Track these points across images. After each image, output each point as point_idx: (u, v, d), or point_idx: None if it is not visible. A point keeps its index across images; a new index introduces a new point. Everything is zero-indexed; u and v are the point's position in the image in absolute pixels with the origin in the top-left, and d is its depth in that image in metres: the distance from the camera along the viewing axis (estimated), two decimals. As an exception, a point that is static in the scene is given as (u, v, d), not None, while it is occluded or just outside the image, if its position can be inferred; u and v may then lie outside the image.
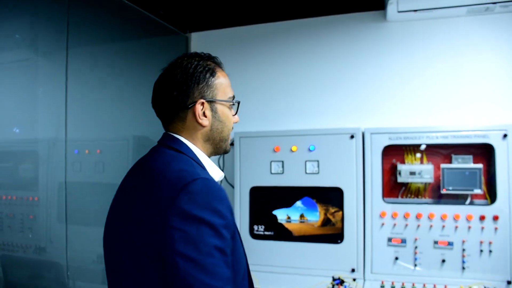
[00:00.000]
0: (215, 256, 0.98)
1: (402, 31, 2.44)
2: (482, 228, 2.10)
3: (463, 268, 2.10)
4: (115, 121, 2.50)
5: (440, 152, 2.28)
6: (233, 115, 1.28)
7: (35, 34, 2.03)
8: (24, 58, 2.02)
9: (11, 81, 1.96)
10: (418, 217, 2.19)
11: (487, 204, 2.14)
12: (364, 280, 2.24)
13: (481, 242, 2.09)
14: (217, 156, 2.72)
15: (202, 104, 1.18)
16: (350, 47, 2.54)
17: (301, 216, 2.42)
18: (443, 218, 2.15)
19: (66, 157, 2.16)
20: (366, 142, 2.30)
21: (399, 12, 2.30)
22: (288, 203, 2.45)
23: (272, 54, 2.70)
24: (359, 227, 2.28)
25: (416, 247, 2.18)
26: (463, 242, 2.11)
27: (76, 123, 2.21)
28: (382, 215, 2.25)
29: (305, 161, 2.41)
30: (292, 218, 2.44)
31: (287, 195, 2.45)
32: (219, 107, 1.21)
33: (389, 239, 2.23)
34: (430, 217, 2.17)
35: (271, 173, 2.47)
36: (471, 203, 2.18)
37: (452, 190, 2.16)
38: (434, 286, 2.09)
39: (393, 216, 2.23)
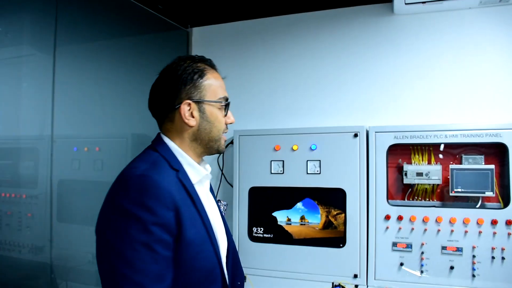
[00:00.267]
0: (139, 251, 1.02)
1: (410, 24, 2.31)
2: (494, 233, 1.96)
3: (473, 276, 1.96)
4: (114, 118, 2.47)
5: (449, 152, 2.14)
6: (225, 116, 1.30)
7: (26, 30, 1.99)
8: (21, 55, 2.00)
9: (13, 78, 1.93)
10: (425, 220, 2.06)
11: (500, 208, 2.00)
12: (367, 286, 2.12)
13: (492, 249, 1.95)
14: (216, 155, 2.63)
15: (189, 105, 1.23)
16: (355, 42, 2.42)
17: (302, 218, 2.31)
18: (452, 222, 2.02)
19: (52, 154, 2.12)
20: (370, 141, 2.18)
21: (406, 4, 2.18)
22: (289, 205, 2.34)
23: (274, 50, 2.60)
24: (362, 230, 2.16)
25: (422, 253, 2.05)
26: (473, 248, 1.97)
27: (75, 120, 2.19)
28: (386, 218, 2.12)
29: (307, 161, 2.30)
30: (293, 220, 2.33)
31: (288, 196, 2.34)
32: (207, 108, 1.25)
33: (394, 244, 2.10)
34: (438, 221, 2.04)
35: (271, 173, 2.37)
36: (482, 207, 2.04)
37: (462, 192, 2.02)
38: (442, 294, 1.96)
39: (399, 220, 2.10)
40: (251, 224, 2.40)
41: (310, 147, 2.30)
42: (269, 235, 2.36)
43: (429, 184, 2.13)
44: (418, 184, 2.15)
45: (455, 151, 2.13)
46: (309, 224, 2.30)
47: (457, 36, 2.24)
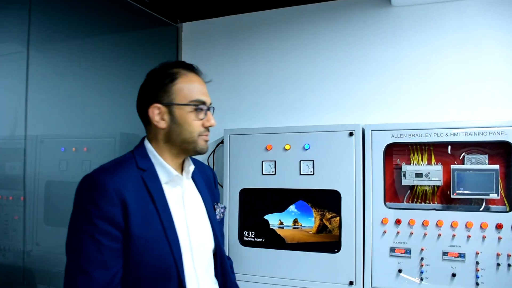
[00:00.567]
0: (85, 240, 1.15)
1: (409, 16, 2.19)
2: (499, 238, 1.82)
3: (477, 283, 1.83)
4: (102, 118, 2.41)
5: (451, 151, 2.01)
6: (202, 119, 1.32)
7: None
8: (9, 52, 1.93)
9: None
10: (424, 224, 1.93)
11: (505, 211, 1.86)
12: (363, 294, 1.99)
13: (498, 255, 1.82)
14: (206, 154, 2.52)
15: (159, 108, 1.30)
16: (350, 36, 2.30)
17: (295, 221, 2.19)
18: (453, 226, 1.89)
19: (39, 154, 2.07)
20: (366, 140, 2.05)
21: (404, -6, 2.06)
22: (281, 207, 2.22)
23: (267, 45, 2.49)
24: (358, 235, 2.04)
25: (422, 259, 1.92)
26: (477, 254, 1.84)
27: (62, 120, 2.13)
28: (384, 222, 2.00)
29: (299, 161, 2.18)
30: (285, 223, 2.21)
31: (280, 198, 2.22)
32: (177, 111, 1.30)
33: (392, 249, 1.98)
34: (438, 225, 1.91)
35: (263, 173, 2.25)
36: (486, 210, 1.90)
37: (464, 194, 1.90)
38: (443, 304, 1.83)
39: (397, 223, 1.98)
40: (242, 227, 2.29)
41: (303, 147, 2.18)
42: (261, 239, 2.25)
43: (429, 186, 2.00)
44: (417, 185, 2.02)
45: (456, 150, 2.00)
46: (302, 228, 2.18)
47: (459, 28, 2.11)
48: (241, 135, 2.32)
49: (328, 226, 2.12)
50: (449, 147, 2.02)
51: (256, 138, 2.27)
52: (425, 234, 1.93)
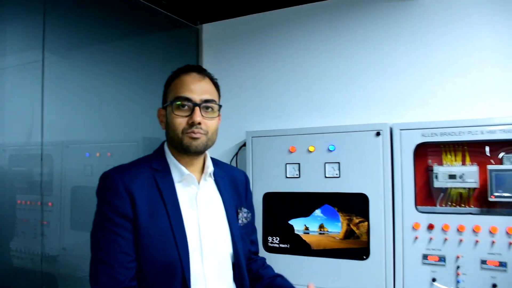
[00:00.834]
0: (101, 233, 1.24)
1: (437, 9, 2.05)
2: (545, 245, 1.67)
3: (520, 295, 1.68)
4: (125, 122, 2.41)
5: (487, 150, 1.86)
6: (187, 116, 1.32)
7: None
8: (37, 59, 1.95)
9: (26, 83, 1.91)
10: (460, 230, 1.79)
11: (551, 215, 1.70)
12: (394, 304, 1.87)
13: (543, 263, 1.66)
14: (229, 158, 2.47)
15: (160, 111, 1.41)
16: (375, 32, 2.18)
17: (321, 226, 2.10)
18: (492, 232, 1.74)
19: (65, 160, 2.10)
20: (394, 140, 1.93)
21: (433, -15, 1.93)
22: (306, 212, 2.14)
23: (289, 43, 2.40)
24: (388, 241, 1.92)
25: (458, 267, 1.78)
26: (520, 262, 1.69)
27: (86, 125, 2.15)
28: (415, 227, 1.87)
29: (324, 163, 2.08)
30: (311, 229, 2.12)
31: (305, 202, 2.14)
32: (168, 111, 1.36)
33: (425, 256, 1.85)
34: (475, 230, 1.77)
35: (287, 176, 2.17)
36: (529, 214, 1.75)
37: (503, 197, 1.74)
38: (482, 316, 1.69)
39: (429, 229, 1.85)
40: (266, 233, 2.22)
41: (328, 148, 2.08)
42: (286, 245, 2.17)
43: (464, 188, 1.86)
44: (451, 188, 1.88)
45: (494, 149, 1.85)
46: (328, 234, 2.08)
47: (491, 20, 1.95)
48: (263, 137, 2.25)
49: (356, 231, 2.01)
50: (486, 146, 1.86)
51: (279, 140, 2.20)
52: (460, 240, 1.79)
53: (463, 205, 1.88)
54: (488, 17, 1.96)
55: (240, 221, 1.47)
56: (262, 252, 2.19)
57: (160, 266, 1.23)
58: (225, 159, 2.46)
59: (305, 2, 2.36)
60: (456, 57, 2.01)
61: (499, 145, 1.83)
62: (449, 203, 1.90)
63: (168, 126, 1.35)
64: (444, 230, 1.82)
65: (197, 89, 1.33)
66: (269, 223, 2.21)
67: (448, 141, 1.85)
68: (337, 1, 2.28)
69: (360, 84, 2.20)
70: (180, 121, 1.31)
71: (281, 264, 2.12)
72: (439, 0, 2.04)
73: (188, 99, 1.31)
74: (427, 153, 1.95)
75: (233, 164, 2.47)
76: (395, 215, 1.92)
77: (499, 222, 1.74)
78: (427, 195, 1.95)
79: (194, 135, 1.30)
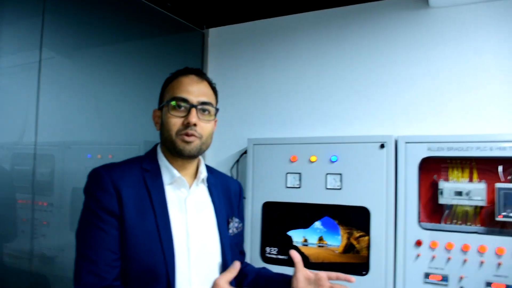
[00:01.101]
0: (88, 229, 1.19)
1: (448, 19, 1.99)
2: (554, 269, 1.58)
3: (527, 321, 1.60)
4: (127, 125, 2.39)
5: (496, 167, 1.78)
6: (183, 117, 1.28)
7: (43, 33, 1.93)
8: (40, 59, 1.94)
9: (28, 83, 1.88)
10: (464, 249, 1.72)
11: (561, 238, 1.62)
12: (393, 324, 1.80)
13: (552, 288, 1.58)
14: (229, 165, 2.42)
15: (156, 112, 1.38)
16: (383, 40, 2.12)
17: (320, 239, 2.04)
18: (498, 253, 1.66)
19: (66, 160, 2.08)
20: (399, 153, 1.87)
21: (444, -6, 1.88)
22: (306, 223, 2.08)
23: (293, 50, 2.35)
24: (389, 257, 1.85)
25: (461, 288, 1.71)
26: (527, 286, 1.61)
27: (88, 126, 2.13)
28: (417, 244, 1.80)
29: (326, 174, 2.03)
30: (310, 241, 2.06)
31: (305, 214, 2.08)
32: (164, 111, 1.32)
33: (426, 275, 1.78)
34: (480, 251, 1.69)
35: (287, 186, 2.12)
36: (538, 236, 1.67)
37: (511, 217, 1.67)
38: None
39: (432, 246, 1.78)
40: (264, 243, 2.16)
41: (330, 159, 2.02)
42: (284, 257, 2.10)
43: (471, 206, 1.78)
44: (456, 205, 1.81)
45: (503, 166, 1.77)
46: (328, 247, 2.01)
47: (503, 30, 1.88)
48: (265, 145, 2.20)
49: (356, 245, 1.95)
50: (495, 163, 1.79)
51: (281, 148, 2.15)
52: (465, 260, 1.72)
53: (469, 223, 1.80)
54: (500, 29, 1.90)
55: (230, 231, 1.42)
56: (259, 262, 2.13)
57: (144, 267, 1.20)
58: (226, 165, 2.41)
59: (312, 9, 2.31)
60: (467, 69, 1.94)
61: (509, 162, 1.76)
62: (454, 221, 1.83)
63: (163, 127, 1.31)
64: (447, 248, 1.75)
65: (195, 90, 1.30)
66: (268, 233, 2.15)
67: (455, 156, 1.79)
68: (344, 9, 2.23)
69: (365, 94, 2.14)
70: (175, 122, 1.27)
71: (278, 276, 2.07)
72: (450, 10, 1.98)
73: (185, 100, 1.28)
74: (433, 167, 1.87)
75: (234, 171, 2.42)
76: (397, 231, 1.85)
77: (507, 243, 1.66)
78: (432, 211, 1.88)
79: (187, 139, 1.26)
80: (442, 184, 1.81)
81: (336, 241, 2.00)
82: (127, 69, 2.31)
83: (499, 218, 1.68)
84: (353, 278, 1.30)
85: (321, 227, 2.05)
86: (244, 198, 2.21)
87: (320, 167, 2.05)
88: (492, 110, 1.88)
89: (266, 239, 2.16)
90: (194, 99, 1.29)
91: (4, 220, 1.76)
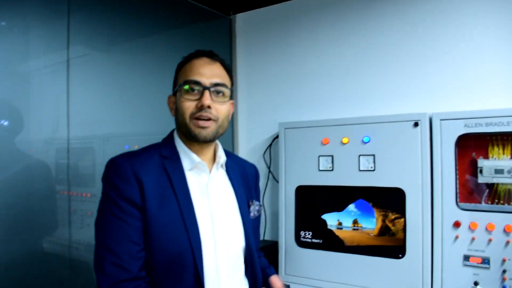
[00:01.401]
0: (108, 219, 1.18)
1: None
2: None
3: None
4: (161, 114, 2.43)
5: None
6: (196, 99, 1.26)
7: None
8: (76, 56, 2.03)
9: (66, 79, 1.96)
10: (507, 230, 1.62)
11: None
12: (432, 308, 1.74)
13: None
14: (261, 151, 2.42)
15: (171, 98, 1.36)
16: (413, 15, 2.02)
17: (355, 222, 2.00)
18: (544, 233, 1.56)
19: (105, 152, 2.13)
20: (434, 131, 1.79)
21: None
22: (340, 206, 2.05)
23: (322, 31, 2.29)
24: (426, 239, 1.79)
25: (504, 271, 1.61)
26: None
27: (125, 118, 2.20)
28: (456, 225, 1.72)
29: (359, 156, 1.98)
30: (344, 224, 2.03)
31: (338, 197, 2.05)
32: (177, 96, 1.31)
33: (466, 257, 1.70)
34: (525, 231, 1.59)
35: (319, 169, 2.09)
36: None
37: (559, 195, 1.56)
38: (530, 326, 1.52)
39: (471, 228, 1.69)
40: (299, 227, 2.15)
41: (363, 140, 1.97)
42: (318, 241, 2.09)
43: (513, 184, 1.68)
44: (497, 184, 1.71)
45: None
46: (362, 230, 1.98)
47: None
48: (296, 128, 2.18)
49: (392, 228, 1.89)
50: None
51: (312, 131, 2.12)
52: (507, 242, 1.62)
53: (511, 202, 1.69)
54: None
55: (252, 214, 1.42)
56: (294, 247, 2.14)
57: (171, 256, 1.18)
58: (259, 151, 2.42)
59: (341, -15, 2.23)
60: (506, 39, 1.80)
61: (555, 136, 1.63)
62: (496, 201, 1.73)
63: (177, 112, 1.30)
64: (488, 229, 1.66)
65: (207, 72, 1.28)
66: (302, 218, 2.15)
67: (495, 132, 1.67)
68: (375, -17, 2.14)
69: (397, 71, 2.06)
70: (189, 105, 1.25)
71: (314, 259, 2.07)
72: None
73: (198, 83, 1.26)
74: (471, 145, 1.77)
75: (266, 156, 2.42)
76: (434, 212, 1.78)
77: (553, 222, 1.55)
78: (471, 191, 1.78)
79: (202, 124, 1.24)
80: (482, 162, 1.71)
81: (371, 224, 1.96)
82: (156, 61, 2.35)
83: (545, 197, 1.57)
84: None
85: (355, 209, 2.01)
86: (277, 181, 2.23)
87: (353, 149, 2.00)
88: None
89: (300, 224, 2.15)
90: (206, 81, 1.26)
91: (46, 212, 1.85)
